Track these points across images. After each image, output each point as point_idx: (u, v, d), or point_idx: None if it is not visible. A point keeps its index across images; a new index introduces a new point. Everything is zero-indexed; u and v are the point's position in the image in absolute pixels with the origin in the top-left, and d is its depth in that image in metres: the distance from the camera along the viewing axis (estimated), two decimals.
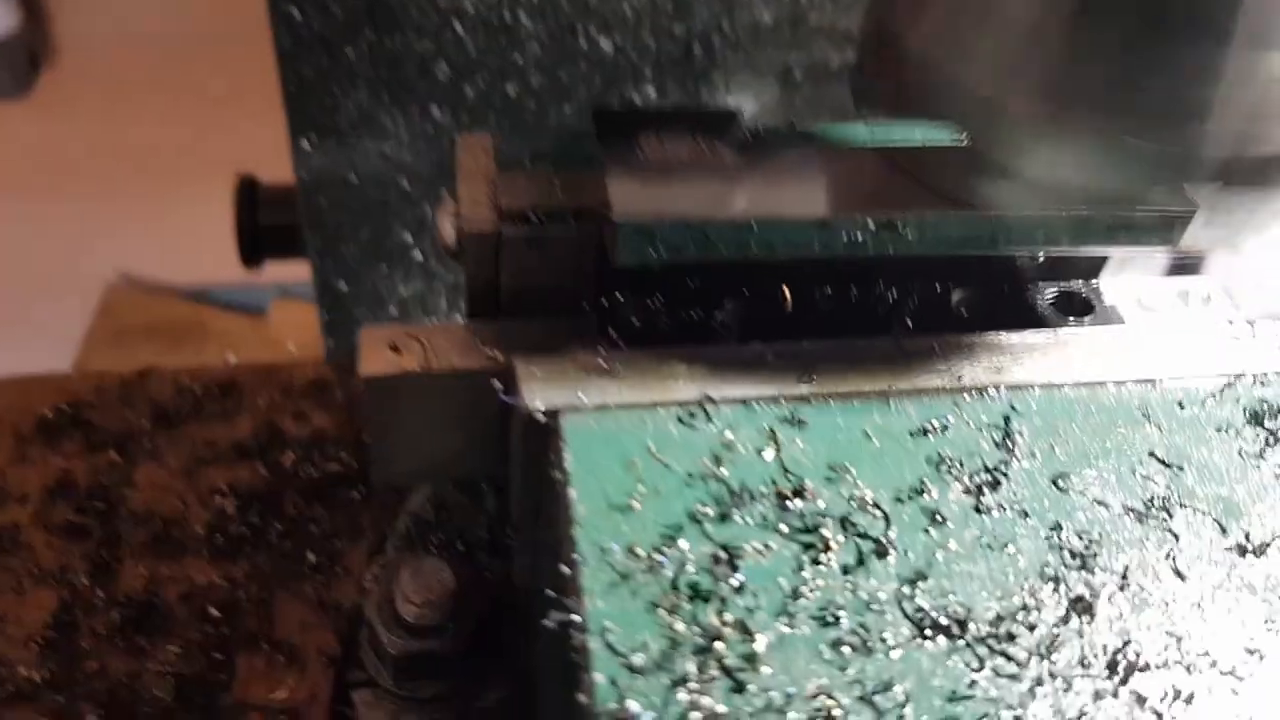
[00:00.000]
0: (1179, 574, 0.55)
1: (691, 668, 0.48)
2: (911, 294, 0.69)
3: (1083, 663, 0.51)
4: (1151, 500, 0.58)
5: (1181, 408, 0.64)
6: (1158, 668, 0.51)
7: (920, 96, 0.65)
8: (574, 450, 0.56)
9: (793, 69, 1.38)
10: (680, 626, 0.49)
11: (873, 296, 0.69)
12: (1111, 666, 0.51)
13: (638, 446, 0.57)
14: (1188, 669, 0.52)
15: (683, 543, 0.52)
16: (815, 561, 0.53)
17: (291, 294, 2.90)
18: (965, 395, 0.62)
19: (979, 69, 0.60)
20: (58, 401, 1.03)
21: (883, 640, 0.50)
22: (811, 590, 0.52)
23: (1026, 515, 0.56)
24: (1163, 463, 0.60)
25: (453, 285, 1.47)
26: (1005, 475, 0.58)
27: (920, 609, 0.52)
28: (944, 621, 0.51)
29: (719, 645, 0.49)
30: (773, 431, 0.59)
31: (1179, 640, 0.53)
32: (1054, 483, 0.58)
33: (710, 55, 1.36)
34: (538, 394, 0.60)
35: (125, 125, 3.03)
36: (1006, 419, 0.61)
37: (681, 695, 0.47)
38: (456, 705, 0.77)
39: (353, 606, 0.87)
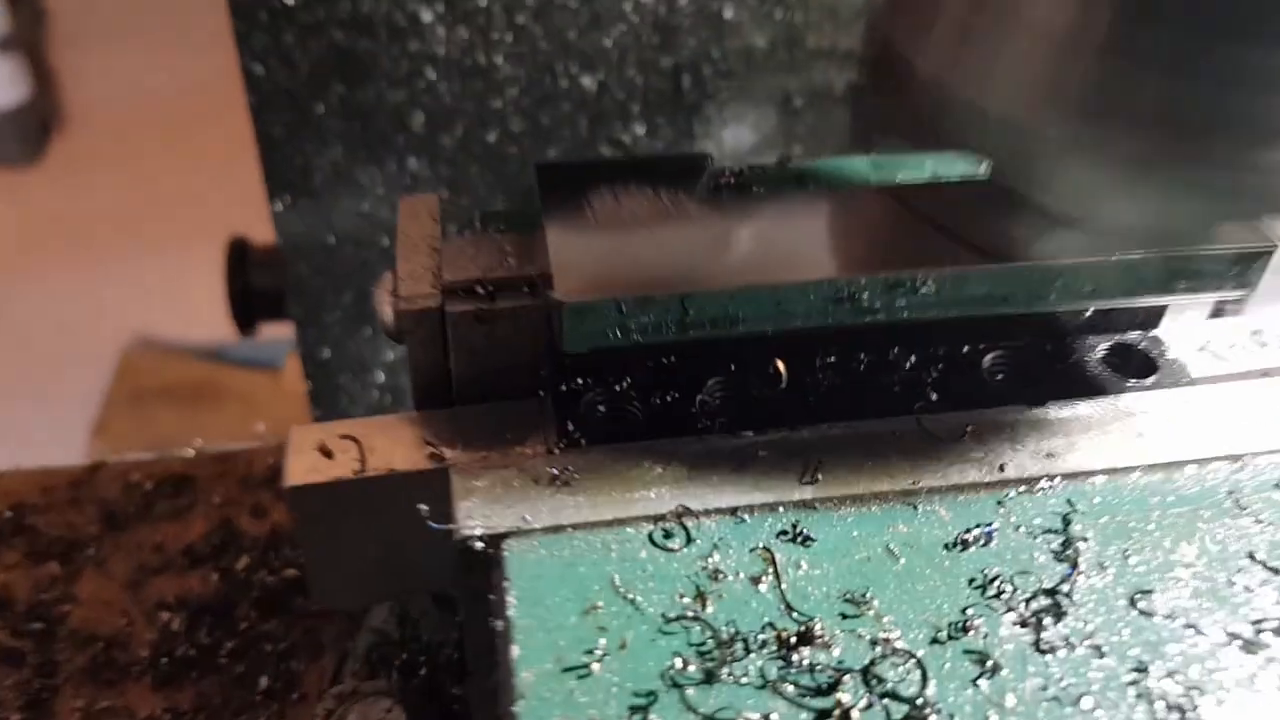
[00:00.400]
0: None
1: None
2: (935, 361, 0.57)
3: None
4: (1261, 623, 0.45)
5: None
6: None
7: (933, 123, 0.53)
8: (518, 590, 0.45)
9: (792, 96, 1.27)
10: None
11: (887, 367, 0.57)
12: None
13: (599, 581, 0.45)
14: None
15: (655, 718, 0.40)
16: None
17: None
18: (1011, 490, 0.50)
19: (1002, 87, 0.49)
20: (0, 506, 0.93)
21: None
22: None
23: (1102, 653, 0.44)
24: (1267, 567, 0.47)
25: None
26: (1070, 597, 0.46)
27: None
28: None
29: None
30: (769, 552, 0.47)
31: None
32: (1132, 603, 0.46)
33: (701, 87, 1.25)
34: (476, 514, 0.48)
35: (137, 188, 3.03)
36: (1065, 520, 0.49)
37: None
38: None
39: None
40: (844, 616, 0.44)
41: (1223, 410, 0.55)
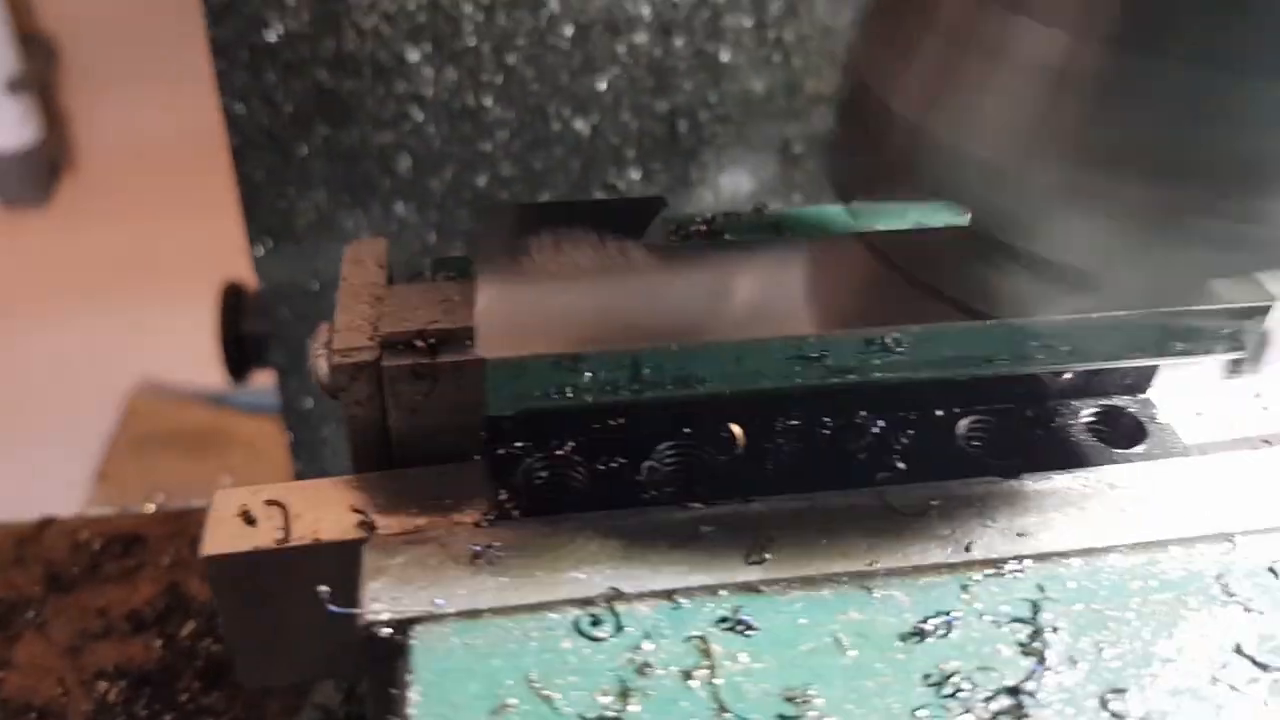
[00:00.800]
0: None
1: None
2: (906, 426, 0.53)
3: None
4: None
5: (1276, 575, 0.46)
6: None
7: (912, 170, 0.49)
8: (422, 684, 0.40)
9: (791, 142, 1.24)
10: None
11: (854, 431, 0.53)
12: None
13: (514, 674, 0.41)
14: None
15: None
16: None
17: None
18: (977, 573, 0.46)
19: (986, 130, 0.45)
20: None
21: None
22: None
23: None
24: (1256, 663, 0.43)
25: None
26: (1034, 696, 0.41)
27: None
28: None
29: None
30: (706, 642, 0.42)
31: None
32: (1103, 703, 0.41)
33: (698, 132, 1.22)
34: (384, 597, 0.44)
35: (145, 231, 3.04)
36: (1035, 607, 0.44)
37: None
38: None
39: None
40: (782, 718, 0.40)
41: (1216, 483, 0.51)
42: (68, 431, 2.82)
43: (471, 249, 0.53)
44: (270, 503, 0.56)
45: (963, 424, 0.53)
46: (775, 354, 0.49)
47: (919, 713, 0.40)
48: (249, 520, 0.55)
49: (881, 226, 0.55)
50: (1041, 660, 0.42)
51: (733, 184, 1.29)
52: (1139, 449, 0.53)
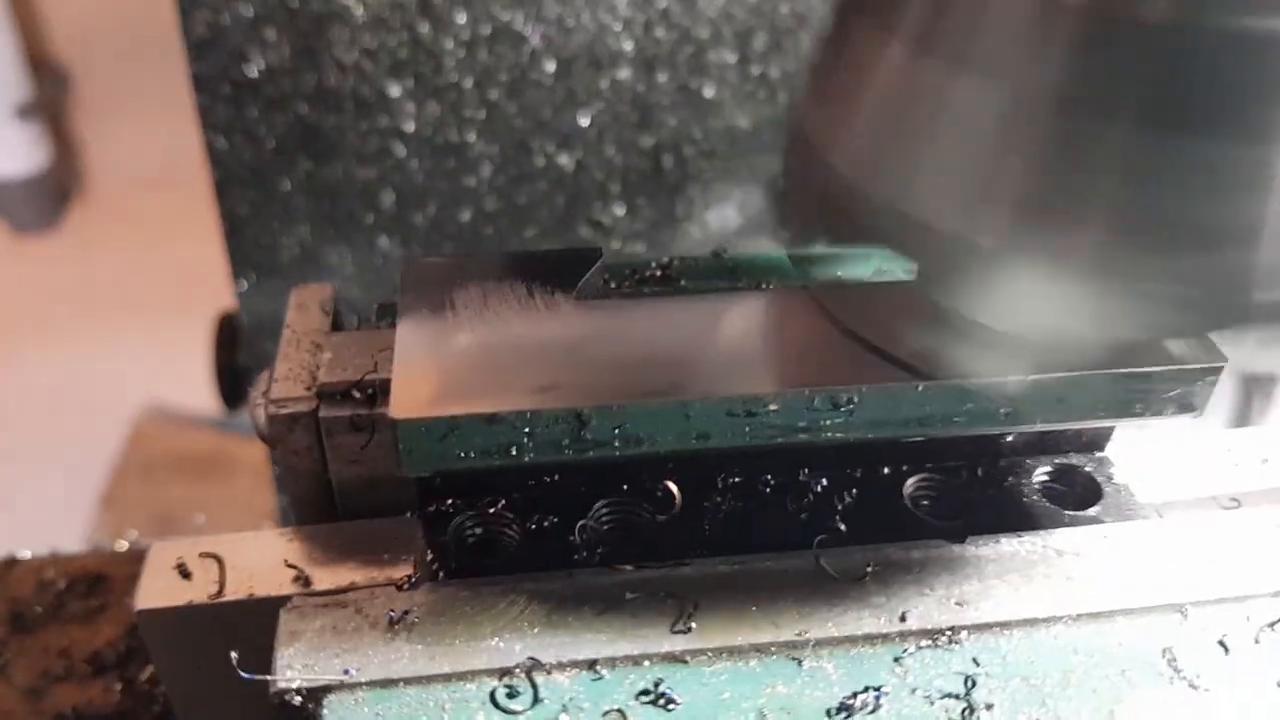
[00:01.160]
0: None
1: None
2: (850, 485, 0.51)
3: None
4: None
5: (1225, 650, 0.45)
6: None
7: (853, 225, 0.48)
8: None
9: (778, 177, 1.23)
10: None
11: (795, 490, 0.51)
12: None
13: None
14: None
15: None
16: None
17: None
18: (911, 645, 0.44)
19: (928, 188, 0.43)
20: None
21: None
22: None
23: None
24: None
25: None
26: None
27: None
28: None
29: None
30: (624, 716, 0.41)
31: None
32: None
33: (683, 167, 1.21)
34: (296, 663, 0.43)
35: (153, 257, 3.05)
36: (969, 682, 0.43)
37: None
38: None
39: None
40: None
41: (1171, 549, 0.49)
42: (73, 456, 2.83)
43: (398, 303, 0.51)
44: (207, 555, 0.55)
45: (910, 483, 0.52)
46: (716, 413, 0.47)
47: None
48: (184, 574, 0.54)
49: (826, 275, 0.54)
50: None
51: (719, 219, 1.28)
52: (1092, 511, 0.51)
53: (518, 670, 0.42)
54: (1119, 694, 0.42)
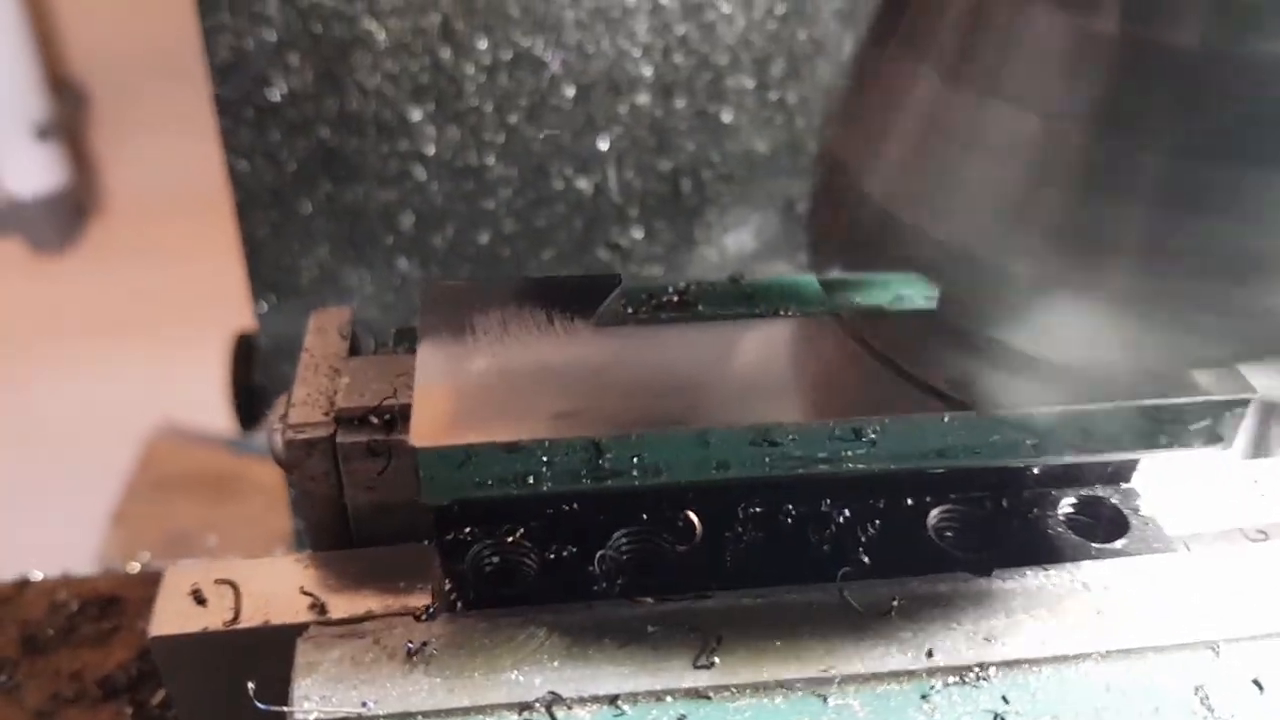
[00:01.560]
0: None
1: None
2: (873, 516, 0.51)
3: None
4: None
5: (1260, 689, 0.44)
6: None
7: (883, 251, 0.47)
8: None
9: (795, 201, 1.23)
10: None
11: (818, 521, 0.51)
12: None
13: None
14: None
15: None
16: None
17: None
18: (938, 681, 0.43)
19: (961, 215, 0.43)
20: None
21: None
22: None
23: None
24: None
25: None
26: None
27: None
28: None
29: None
30: None
31: None
32: None
33: (701, 191, 1.21)
34: (313, 695, 0.42)
35: (170, 276, 3.06)
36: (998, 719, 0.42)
37: None
38: None
39: None
40: None
41: (1201, 583, 0.48)
42: (86, 474, 2.84)
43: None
44: (222, 581, 0.55)
45: (934, 514, 0.51)
46: (736, 443, 0.47)
47: None
48: (199, 600, 0.54)
49: (854, 300, 0.54)
50: None
51: (737, 242, 1.28)
52: (1119, 543, 0.50)
53: (538, 705, 0.42)
54: None
